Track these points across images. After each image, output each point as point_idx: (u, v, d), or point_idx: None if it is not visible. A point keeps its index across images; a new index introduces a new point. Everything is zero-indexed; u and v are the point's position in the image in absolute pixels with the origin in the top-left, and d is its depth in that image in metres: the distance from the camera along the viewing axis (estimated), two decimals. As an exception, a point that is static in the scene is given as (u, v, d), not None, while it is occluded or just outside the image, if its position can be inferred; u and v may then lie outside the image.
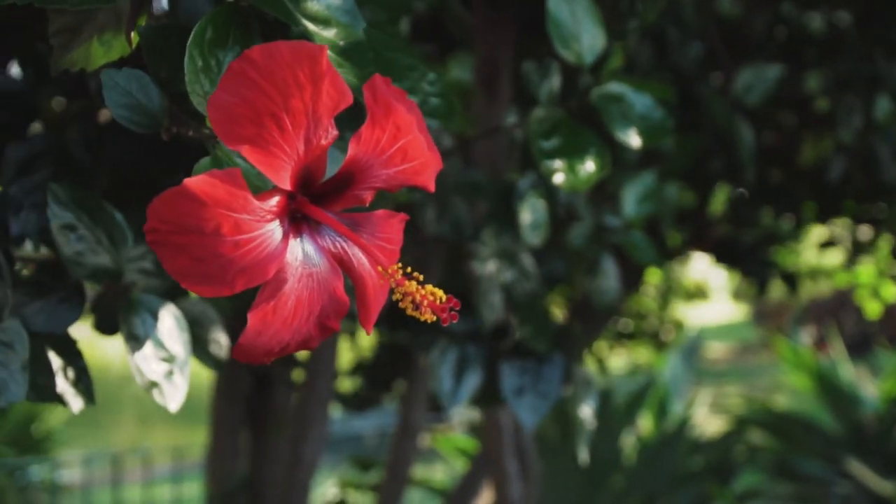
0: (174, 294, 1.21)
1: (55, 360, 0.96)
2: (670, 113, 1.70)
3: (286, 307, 0.60)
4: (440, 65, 1.38)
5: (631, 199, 1.62)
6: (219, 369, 1.25)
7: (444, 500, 2.97)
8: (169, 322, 0.97)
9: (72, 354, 0.98)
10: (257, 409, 2.58)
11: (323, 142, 0.59)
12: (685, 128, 1.83)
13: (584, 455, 1.70)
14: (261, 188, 0.61)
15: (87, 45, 0.75)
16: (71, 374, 0.97)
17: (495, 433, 2.23)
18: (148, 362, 0.95)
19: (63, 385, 0.96)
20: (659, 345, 4.12)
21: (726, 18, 2.08)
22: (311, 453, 2.29)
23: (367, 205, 0.64)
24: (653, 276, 3.76)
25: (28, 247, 1.01)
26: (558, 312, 3.27)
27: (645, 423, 4.09)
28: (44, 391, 0.95)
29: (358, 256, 0.64)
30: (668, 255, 2.77)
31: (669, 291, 4.10)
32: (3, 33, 1.08)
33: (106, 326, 1.20)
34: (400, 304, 0.60)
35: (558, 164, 1.02)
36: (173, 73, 0.69)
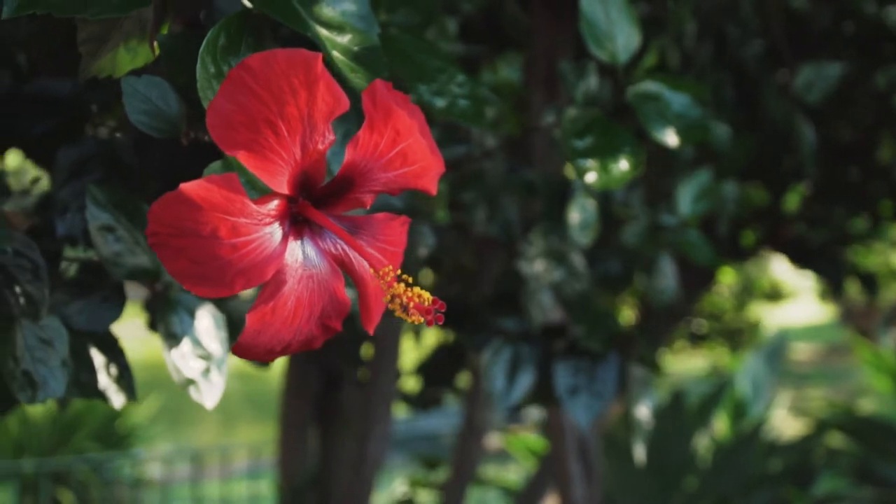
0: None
1: (98, 358, 1.00)
2: (727, 110, 1.69)
3: (286, 308, 0.62)
4: (489, 65, 1.38)
5: (686, 197, 1.61)
6: (265, 365, 1.28)
7: (513, 500, 2.97)
8: (207, 321, 1.00)
9: (114, 352, 1.01)
10: (326, 407, 2.62)
11: (320, 146, 0.60)
12: (743, 126, 1.81)
13: (640, 455, 1.70)
14: (266, 191, 0.62)
15: (114, 53, 0.78)
16: (113, 370, 1.00)
17: (558, 434, 2.23)
18: (185, 360, 0.97)
19: (105, 381, 0.99)
20: (734, 345, 4.07)
21: (794, 13, 2.05)
22: (374, 451, 2.31)
23: (368, 207, 0.65)
24: (727, 277, 3.71)
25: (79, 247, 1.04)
26: (629, 312, 3.26)
27: (721, 424, 4.04)
28: (86, 388, 0.98)
29: (358, 258, 0.65)
30: (742, 254, 2.74)
31: (745, 292, 4.04)
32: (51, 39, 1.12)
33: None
34: (389, 305, 0.61)
35: (591, 163, 1.02)
36: (191, 80, 0.71)
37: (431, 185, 0.66)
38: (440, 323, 0.61)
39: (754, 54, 1.82)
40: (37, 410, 5.92)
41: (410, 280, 0.62)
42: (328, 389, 2.61)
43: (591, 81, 1.11)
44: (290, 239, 0.62)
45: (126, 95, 0.71)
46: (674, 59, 1.65)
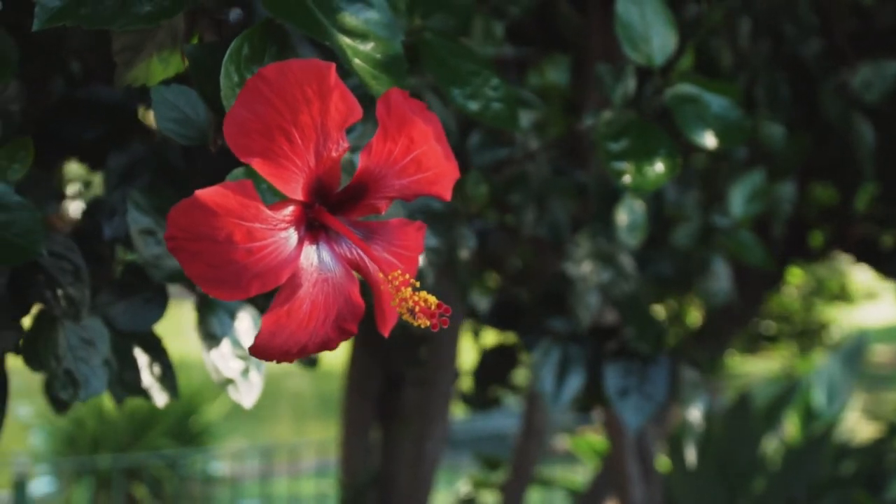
0: (268, 295, 1.26)
1: (141, 357, 1.02)
2: (783, 109, 1.67)
3: (301, 310, 0.63)
4: (536, 68, 1.39)
5: (738, 198, 1.60)
6: (312, 367, 1.30)
7: (576, 501, 2.97)
8: (246, 322, 1.02)
9: (157, 351, 1.04)
10: (387, 406, 2.64)
11: (334, 154, 0.62)
12: (799, 125, 1.79)
13: (691, 457, 1.69)
14: (282, 197, 0.64)
15: (147, 63, 0.80)
16: (156, 369, 1.03)
17: (616, 435, 2.23)
18: (225, 360, 0.99)
19: (149, 380, 1.02)
20: (804, 347, 4.01)
21: (855, 10, 2.02)
22: (432, 450, 2.33)
23: (383, 213, 0.67)
24: (795, 277, 3.66)
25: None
26: (696, 314, 3.23)
27: (791, 427, 3.98)
28: (130, 386, 1.01)
29: (382, 263, 0.66)
30: (810, 255, 2.70)
31: (814, 293, 3.98)
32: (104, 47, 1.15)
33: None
34: (398, 309, 0.63)
35: (626, 165, 1.02)
36: (218, 89, 0.73)
37: (446, 191, 0.67)
38: (445, 326, 0.62)
39: (812, 53, 1.80)
40: (113, 408, 6.04)
41: (417, 284, 0.63)
42: (389, 389, 2.63)
43: (630, 84, 1.11)
44: (306, 243, 0.64)
45: (155, 104, 0.73)
46: (727, 58, 1.64)
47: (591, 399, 1.65)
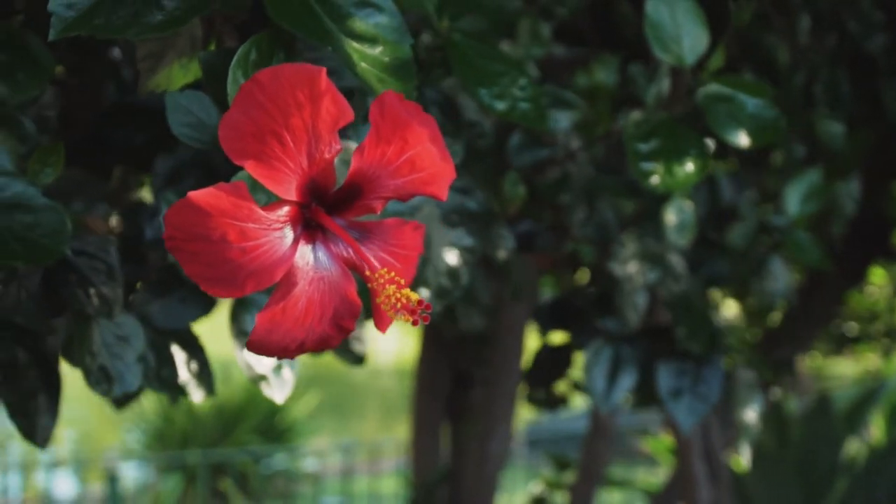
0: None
1: (179, 354, 1.06)
2: (843, 107, 1.64)
3: (297, 308, 0.65)
4: (582, 68, 1.39)
5: (794, 197, 1.58)
6: (359, 364, 1.32)
7: (651, 502, 2.95)
8: (280, 320, 1.04)
9: (194, 349, 1.07)
10: (456, 405, 2.66)
11: (326, 155, 0.64)
12: (862, 123, 1.76)
13: (745, 457, 1.67)
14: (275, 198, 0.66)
15: (169, 70, 0.83)
16: (194, 366, 1.06)
17: (681, 436, 2.21)
18: (258, 357, 1.02)
19: (186, 377, 1.06)
20: (889, 348, 3.92)
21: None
22: (496, 449, 2.34)
23: (378, 213, 0.68)
24: (878, 277, 3.58)
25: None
26: (774, 314, 3.18)
27: (876, 429, 3.90)
28: (167, 383, 1.04)
29: (370, 262, 0.68)
30: (892, 255, 2.65)
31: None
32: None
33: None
34: (382, 306, 0.64)
35: (654, 166, 1.02)
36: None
37: (441, 191, 0.69)
38: (426, 323, 0.63)
39: (877, 48, 1.76)
40: (203, 404, 6.18)
41: (402, 282, 0.64)
42: (458, 388, 2.65)
43: (664, 84, 1.11)
44: (302, 243, 0.66)
45: (169, 109, 0.76)
46: (783, 56, 1.62)
47: (644, 400, 1.64)
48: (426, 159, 0.67)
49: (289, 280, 0.65)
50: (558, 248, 1.53)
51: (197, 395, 1.06)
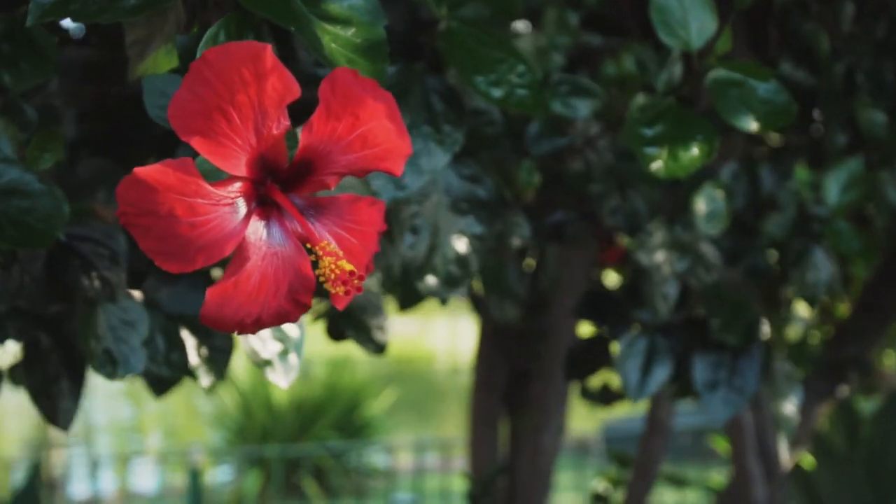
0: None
1: (189, 340, 1.08)
2: (888, 96, 1.61)
3: (249, 283, 0.66)
4: (611, 57, 1.38)
5: (834, 187, 1.55)
6: (380, 353, 1.33)
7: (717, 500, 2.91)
8: (287, 305, 1.06)
9: (206, 334, 1.09)
10: (513, 400, 2.65)
11: (274, 131, 0.65)
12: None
13: (785, 455, 1.65)
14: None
15: (156, 55, 0.85)
16: (204, 351, 1.09)
17: (737, 432, 2.18)
18: (263, 343, 1.04)
19: (196, 361, 1.08)
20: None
21: None
22: (549, 443, 2.34)
23: (332, 189, 0.69)
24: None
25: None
26: (843, 308, 3.11)
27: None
28: (176, 366, 1.06)
29: (325, 237, 0.69)
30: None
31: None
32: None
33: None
34: (320, 278, 0.65)
35: (658, 151, 1.01)
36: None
37: (396, 167, 0.69)
38: (359, 293, 0.64)
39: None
40: (282, 401, 6.27)
41: (340, 254, 0.65)
42: (515, 383, 2.65)
43: (676, 70, 1.10)
44: (256, 219, 0.67)
45: (146, 92, 0.77)
46: (824, 43, 1.59)
47: (680, 392, 1.62)
48: (380, 135, 0.68)
49: (241, 255, 0.66)
50: (591, 238, 1.52)
51: (206, 380, 1.08)
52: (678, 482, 2.97)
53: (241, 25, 0.75)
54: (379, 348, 1.34)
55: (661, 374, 1.55)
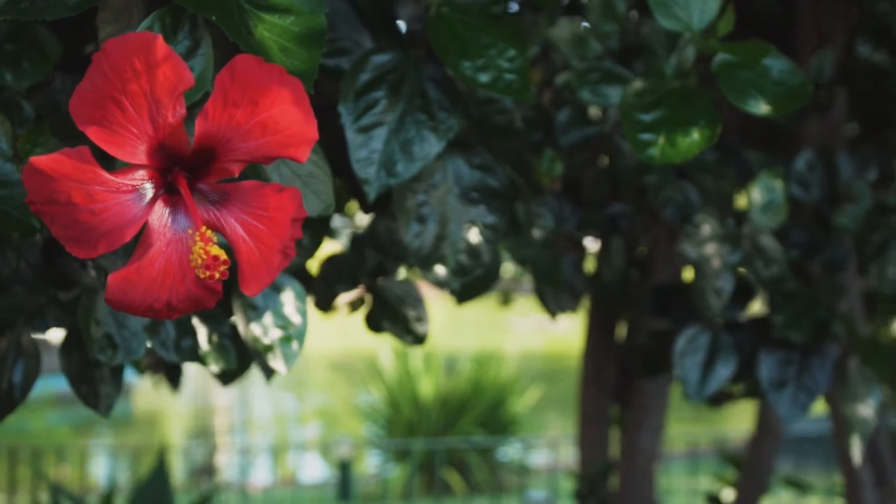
0: (376, 273, 1.32)
1: (200, 327, 1.10)
2: None
3: (153, 268, 0.68)
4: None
5: (912, 176, 1.46)
6: (419, 344, 1.34)
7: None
8: (290, 295, 1.07)
9: (216, 322, 1.11)
10: (621, 398, 2.61)
11: (171, 120, 0.66)
12: None
13: (857, 457, 1.56)
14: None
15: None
16: (215, 339, 1.11)
17: (843, 434, 2.08)
18: (265, 330, 1.05)
19: (206, 348, 1.10)
20: None
21: None
22: (647, 442, 2.29)
23: (237, 175, 0.70)
24: None
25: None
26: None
27: None
28: (186, 352, 1.09)
29: (232, 224, 0.70)
30: None
31: None
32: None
33: (324, 304, 1.34)
34: (191, 263, 0.66)
35: (654, 137, 0.98)
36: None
37: (300, 153, 0.69)
38: (224, 278, 0.65)
39: None
40: (428, 396, 6.34)
41: (215, 239, 0.66)
42: (623, 381, 2.60)
43: (688, 53, 1.06)
44: (161, 205, 0.68)
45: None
46: (871, 24, 1.51)
47: (746, 392, 1.57)
48: (282, 122, 0.68)
49: (144, 241, 0.68)
50: (646, 230, 1.48)
51: (214, 367, 1.10)
52: (799, 486, 2.85)
53: (176, 18, 0.76)
54: (417, 340, 1.34)
55: (724, 371, 1.50)
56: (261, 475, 6.08)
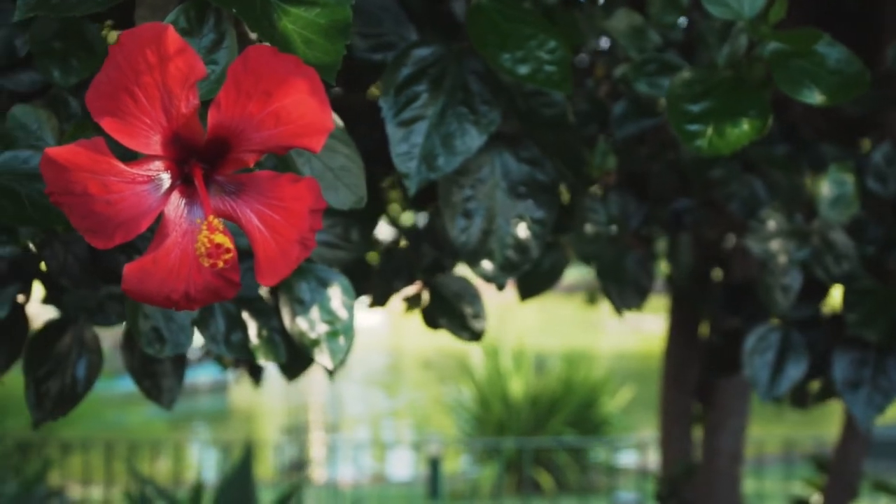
0: (434, 269, 1.31)
1: (251, 322, 1.11)
2: None
3: (169, 258, 0.68)
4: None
5: None
6: (476, 340, 1.32)
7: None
8: (337, 290, 1.07)
9: (266, 317, 1.11)
10: (704, 399, 2.56)
11: (184, 110, 0.66)
12: None
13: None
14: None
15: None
16: (264, 333, 1.11)
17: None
18: (312, 325, 1.05)
19: (256, 342, 1.10)
20: None
21: None
22: (728, 443, 2.25)
23: (252, 166, 0.69)
24: None
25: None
26: None
27: None
28: (235, 346, 1.10)
29: (248, 214, 0.69)
30: None
31: None
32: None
33: (381, 299, 1.34)
34: (197, 251, 0.65)
35: (702, 128, 0.95)
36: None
37: (314, 144, 0.68)
38: (225, 266, 0.65)
39: None
40: (518, 395, 6.32)
41: (222, 227, 0.66)
42: (705, 381, 2.56)
43: (740, 42, 1.03)
44: (177, 196, 0.68)
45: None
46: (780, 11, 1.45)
47: (821, 393, 1.52)
48: (295, 112, 0.67)
49: (161, 231, 0.68)
50: (712, 226, 1.44)
51: (263, 360, 1.11)
52: (891, 492, 2.76)
53: (201, 11, 0.77)
54: (474, 336, 1.33)
55: (795, 371, 1.45)
56: (351, 471, 6.13)
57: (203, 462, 5.82)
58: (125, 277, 0.68)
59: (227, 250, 0.65)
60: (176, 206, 0.69)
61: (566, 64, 0.97)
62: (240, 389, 8.53)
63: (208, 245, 0.65)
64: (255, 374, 1.92)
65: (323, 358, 1.05)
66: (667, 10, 1.30)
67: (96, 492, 5.08)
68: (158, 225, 0.68)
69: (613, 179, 1.20)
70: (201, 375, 9.01)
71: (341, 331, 1.06)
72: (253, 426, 8.68)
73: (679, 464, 2.56)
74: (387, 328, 13.36)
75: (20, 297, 1.20)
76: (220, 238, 0.65)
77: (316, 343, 1.06)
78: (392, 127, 1.00)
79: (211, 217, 0.66)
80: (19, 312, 1.16)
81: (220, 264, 0.65)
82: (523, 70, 0.96)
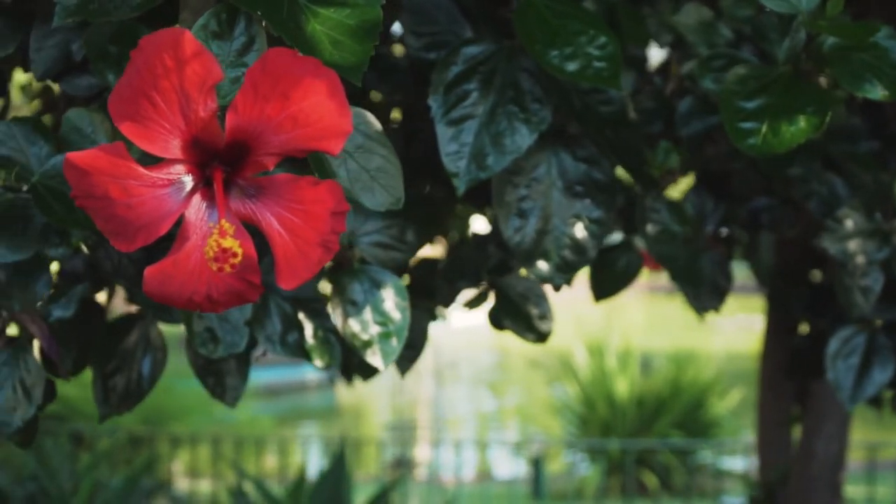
0: (499, 270, 1.31)
1: (307, 323, 1.11)
2: None
3: (189, 261, 0.68)
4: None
5: None
6: (542, 342, 1.31)
7: None
8: (390, 291, 1.07)
9: (322, 317, 1.12)
10: (800, 401, 2.50)
11: (202, 114, 0.66)
12: None
13: None
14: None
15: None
16: (320, 333, 1.12)
17: None
18: (365, 326, 1.05)
19: (311, 343, 1.11)
20: None
21: None
22: (823, 448, 2.18)
23: (271, 169, 0.69)
24: None
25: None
26: None
27: None
28: (291, 347, 1.10)
29: (268, 218, 0.69)
30: None
31: None
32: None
33: (446, 300, 1.33)
34: (205, 254, 0.65)
35: (756, 125, 0.92)
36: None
37: (333, 147, 0.68)
38: (232, 269, 0.64)
39: None
40: (623, 395, 6.24)
41: (232, 231, 0.65)
42: (803, 384, 2.49)
43: (800, 37, 0.99)
44: (198, 199, 0.69)
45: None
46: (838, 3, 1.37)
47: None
48: (313, 115, 0.67)
49: (181, 234, 0.68)
50: (792, 225, 1.40)
51: (318, 362, 1.11)
52: None
53: (233, 14, 0.77)
54: (540, 338, 1.31)
55: (882, 376, 1.40)
56: (455, 468, 6.14)
57: (308, 458, 5.90)
58: (146, 280, 0.69)
59: (235, 255, 0.65)
60: (197, 208, 0.69)
61: (617, 60, 0.94)
62: (348, 387, 8.62)
63: (216, 249, 0.65)
64: (347, 373, 1.94)
65: (375, 359, 1.05)
66: (740, 4, 1.27)
67: (204, 485, 5.19)
68: (179, 228, 0.69)
69: (676, 178, 1.17)
70: (309, 373, 9.15)
71: (394, 332, 1.06)
72: (359, 423, 8.78)
73: (776, 468, 2.49)
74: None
75: (100, 296, 1.23)
76: (229, 242, 0.65)
77: (368, 344, 1.05)
78: (441, 126, 0.99)
79: (223, 221, 0.66)
80: (92, 310, 1.18)
81: (227, 269, 0.66)
82: (571, 67, 0.94)
